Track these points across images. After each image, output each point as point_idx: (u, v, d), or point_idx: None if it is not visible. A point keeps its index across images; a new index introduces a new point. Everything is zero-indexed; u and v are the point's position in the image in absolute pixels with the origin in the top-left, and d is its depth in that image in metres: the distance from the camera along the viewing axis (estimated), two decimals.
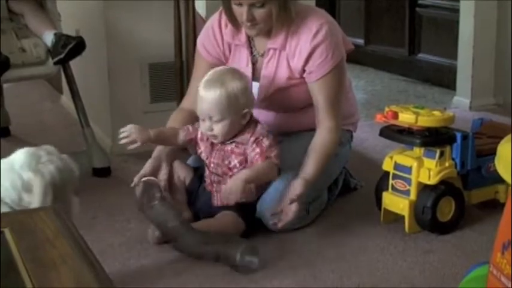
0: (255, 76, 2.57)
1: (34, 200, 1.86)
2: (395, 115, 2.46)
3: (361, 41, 5.44)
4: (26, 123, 3.97)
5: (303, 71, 2.51)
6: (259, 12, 2.42)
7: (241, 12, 2.43)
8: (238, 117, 2.38)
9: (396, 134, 2.52)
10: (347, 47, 2.61)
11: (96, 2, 3.47)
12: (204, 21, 3.02)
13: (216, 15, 2.64)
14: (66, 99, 4.23)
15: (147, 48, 3.43)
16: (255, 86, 2.55)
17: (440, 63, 4.74)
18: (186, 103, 2.69)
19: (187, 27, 3.21)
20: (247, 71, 2.56)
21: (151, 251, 2.36)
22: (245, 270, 2.19)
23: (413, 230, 2.47)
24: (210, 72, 2.42)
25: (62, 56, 2.97)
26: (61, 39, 2.98)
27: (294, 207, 2.36)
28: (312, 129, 2.54)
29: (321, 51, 2.46)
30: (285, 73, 2.52)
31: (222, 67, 2.50)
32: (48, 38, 3.01)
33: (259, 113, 2.61)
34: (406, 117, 2.44)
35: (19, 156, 1.91)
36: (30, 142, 3.69)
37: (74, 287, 1.19)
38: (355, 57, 5.23)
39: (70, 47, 2.95)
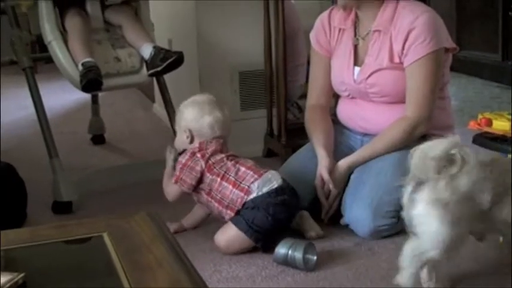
0: (356, 60, 2.64)
1: None
2: (489, 122, 2.42)
3: None
4: (119, 131, 4.08)
5: (402, 54, 2.52)
6: None
7: None
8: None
9: (490, 141, 2.47)
10: (450, 45, 2.56)
11: (188, 12, 3.54)
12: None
13: (326, 11, 2.77)
14: (158, 107, 4.32)
15: (238, 57, 3.48)
16: (356, 71, 2.62)
17: None
18: (313, 99, 2.80)
19: (277, 36, 3.25)
20: (350, 55, 2.64)
21: (242, 256, 2.39)
22: (305, 267, 2.25)
23: None
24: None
25: (159, 69, 3.00)
26: (160, 52, 3.01)
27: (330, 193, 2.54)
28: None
29: (417, 34, 2.46)
30: (387, 55, 2.54)
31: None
32: (147, 50, 3.04)
33: (350, 102, 2.68)
34: (500, 125, 2.40)
35: None
36: (124, 149, 3.80)
37: None
38: None
39: (169, 62, 2.99)
